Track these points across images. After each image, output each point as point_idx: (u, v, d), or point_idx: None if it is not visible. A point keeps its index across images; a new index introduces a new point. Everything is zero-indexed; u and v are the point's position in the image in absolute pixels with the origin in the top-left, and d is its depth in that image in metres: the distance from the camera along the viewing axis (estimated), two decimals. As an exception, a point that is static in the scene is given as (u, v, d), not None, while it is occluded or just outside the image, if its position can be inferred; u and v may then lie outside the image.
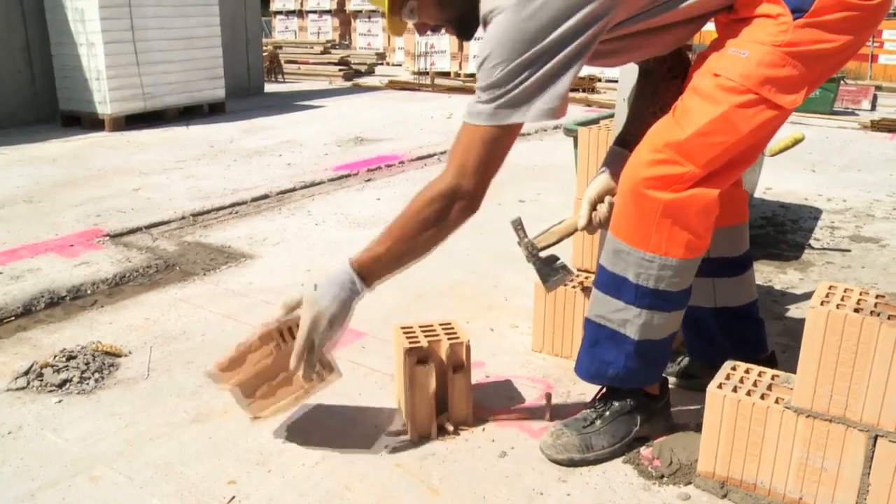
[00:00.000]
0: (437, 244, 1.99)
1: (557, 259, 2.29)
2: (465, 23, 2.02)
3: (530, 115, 1.84)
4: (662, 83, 2.22)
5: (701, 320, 2.37)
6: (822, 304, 1.77)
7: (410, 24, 2.05)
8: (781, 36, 1.83)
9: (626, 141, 2.21)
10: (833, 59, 1.89)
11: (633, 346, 2.03)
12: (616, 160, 2.19)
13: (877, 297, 1.81)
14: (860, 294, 1.82)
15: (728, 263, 2.31)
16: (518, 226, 2.28)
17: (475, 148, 1.88)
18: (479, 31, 2.00)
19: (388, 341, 2.91)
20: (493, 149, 1.89)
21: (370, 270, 1.99)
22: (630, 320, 2.01)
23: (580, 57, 1.83)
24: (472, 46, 12.69)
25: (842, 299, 1.79)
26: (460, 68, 13.86)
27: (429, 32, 2.14)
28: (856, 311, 1.73)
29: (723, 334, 2.37)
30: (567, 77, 1.82)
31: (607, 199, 2.16)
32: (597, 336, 2.08)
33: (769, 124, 1.89)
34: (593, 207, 2.19)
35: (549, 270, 2.28)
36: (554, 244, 2.28)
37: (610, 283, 2.02)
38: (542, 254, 2.28)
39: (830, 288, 1.86)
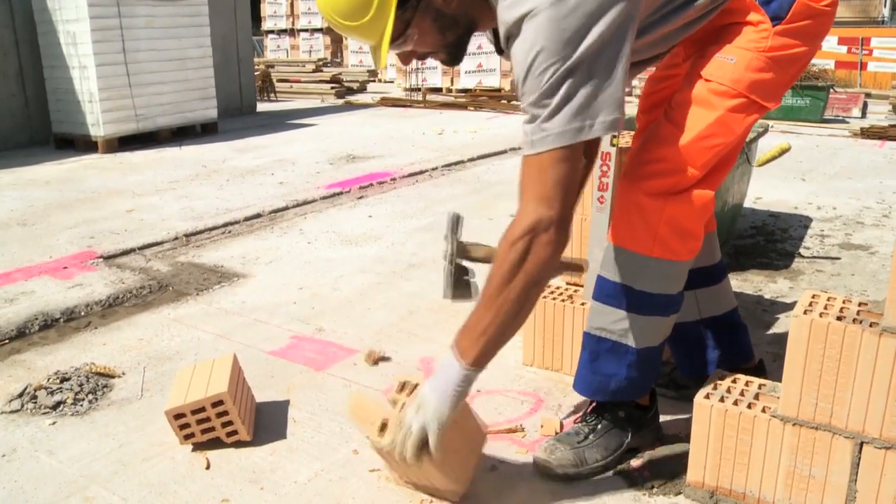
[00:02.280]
0: (536, 291, 1.79)
1: (472, 274, 2.15)
2: (460, 47, 1.94)
3: (599, 128, 1.71)
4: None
5: (688, 335, 2.39)
6: (805, 312, 1.79)
7: (394, 53, 1.93)
8: (764, 42, 1.90)
9: None
10: (800, 63, 1.97)
11: (635, 355, 2.05)
12: None
13: (860, 304, 1.83)
14: (843, 302, 1.84)
15: (707, 273, 2.34)
16: (455, 222, 2.16)
17: (547, 171, 1.72)
18: (467, 53, 1.97)
19: (381, 360, 2.93)
20: (568, 165, 1.73)
21: (479, 357, 1.81)
22: (631, 329, 2.03)
23: (624, 60, 1.72)
24: (463, 65, 12.72)
25: (825, 308, 1.81)
26: (452, 84, 13.93)
27: (414, 61, 2.02)
28: (839, 319, 1.75)
29: (711, 345, 2.39)
30: (621, 83, 1.72)
31: None
32: (597, 350, 2.09)
33: (752, 125, 1.97)
34: None
35: (459, 281, 2.13)
36: (476, 259, 2.16)
37: (611, 293, 2.04)
38: (463, 262, 2.17)
39: (814, 297, 1.88)
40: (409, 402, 1.91)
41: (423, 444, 1.84)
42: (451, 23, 1.85)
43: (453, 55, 1.95)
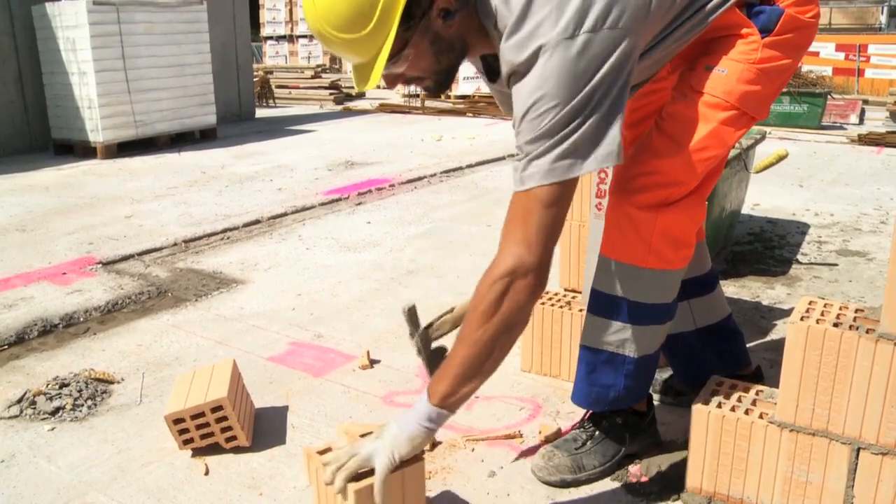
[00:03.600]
0: (509, 336, 1.75)
1: (446, 350, 2.02)
2: (450, 74, 1.86)
3: (591, 162, 1.68)
4: None
5: (685, 345, 2.39)
6: (801, 319, 1.79)
7: (383, 73, 1.77)
8: (754, 54, 1.91)
9: None
10: (786, 74, 1.98)
11: (633, 364, 2.05)
12: None
13: (856, 311, 1.84)
14: (840, 309, 1.85)
15: (700, 282, 2.34)
16: (411, 315, 2.15)
17: (534, 213, 1.69)
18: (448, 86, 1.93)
19: (377, 365, 2.94)
20: (554, 211, 1.70)
21: (447, 396, 1.74)
22: (629, 340, 2.03)
23: (624, 94, 1.72)
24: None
25: (822, 314, 1.82)
26: (450, 90, 13.93)
27: (400, 86, 1.91)
28: (835, 325, 1.75)
29: (708, 352, 2.39)
30: (619, 118, 1.71)
31: None
32: (595, 362, 2.09)
33: (741, 137, 2.00)
34: None
35: (438, 363, 1.96)
36: (447, 333, 2.15)
37: (606, 306, 2.03)
38: (433, 345, 2.17)
39: (810, 303, 1.88)
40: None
41: (358, 477, 1.72)
42: (447, 47, 1.79)
43: (441, 83, 1.87)
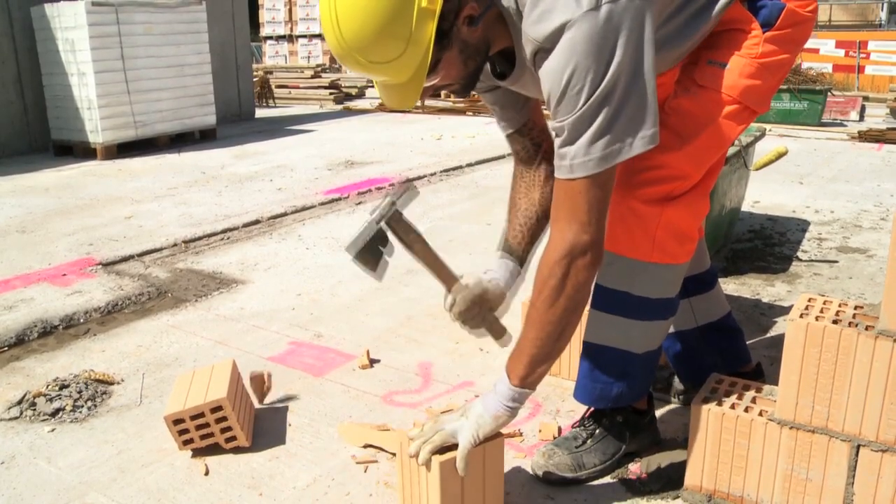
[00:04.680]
0: (577, 313, 1.81)
1: (389, 252, 2.00)
2: (476, 76, 1.85)
3: (638, 144, 1.69)
4: (538, 173, 2.18)
5: (686, 343, 2.39)
6: (801, 316, 1.79)
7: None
8: (756, 48, 1.91)
9: (512, 247, 2.21)
10: (785, 69, 1.98)
11: (637, 360, 2.05)
12: (502, 270, 2.18)
13: (855, 307, 1.84)
14: (839, 306, 1.85)
15: (700, 279, 2.34)
16: (405, 190, 2.04)
17: (583, 194, 1.71)
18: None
19: (377, 364, 2.94)
20: (603, 190, 1.73)
21: (526, 376, 1.83)
22: (632, 335, 2.03)
23: (653, 71, 1.69)
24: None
25: (821, 311, 1.82)
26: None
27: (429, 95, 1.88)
28: (835, 322, 1.75)
29: (708, 350, 2.39)
30: (652, 92, 1.69)
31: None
32: (598, 358, 2.09)
33: (743, 131, 2.00)
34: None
35: (371, 246, 1.98)
36: (402, 239, 2.04)
37: (611, 302, 2.03)
38: (388, 232, 2.01)
39: (810, 300, 1.88)
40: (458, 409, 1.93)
41: (443, 451, 1.82)
42: (474, 52, 1.78)
43: (468, 85, 1.86)
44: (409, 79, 1.69)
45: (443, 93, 12.42)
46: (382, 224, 2.00)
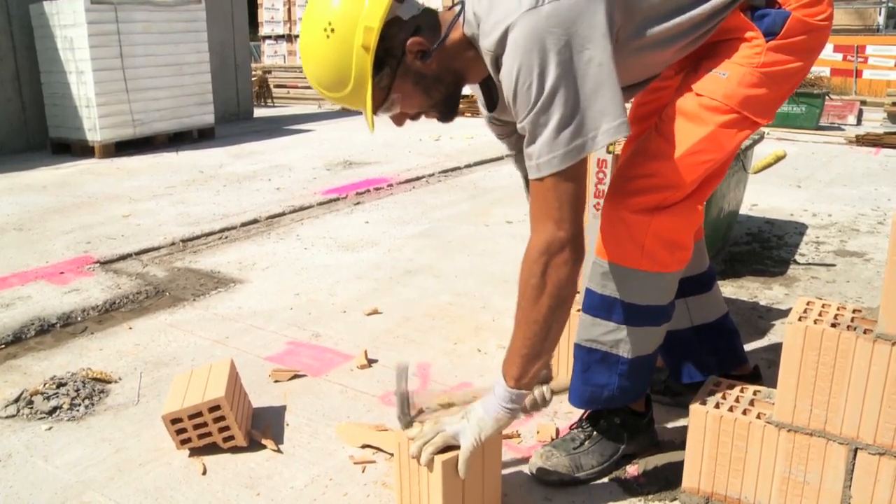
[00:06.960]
0: (562, 309, 1.80)
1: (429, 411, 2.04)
2: (450, 104, 1.91)
3: (602, 137, 1.69)
4: None
5: (681, 343, 2.39)
6: (799, 319, 1.79)
7: (387, 116, 1.92)
8: (757, 58, 1.89)
9: None
10: (795, 78, 1.97)
11: (627, 364, 2.05)
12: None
13: (854, 311, 1.84)
14: (837, 309, 1.85)
15: (697, 281, 2.34)
16: (401, 374, 2.03)
17: (554, 191, 1.72)
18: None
19: (375, 364, 2.94)
20: (575, 184, 1.73)
21: (520, 377, 1.83)
22: (622, 340, 2.02)
23: (609, 58, 1.69)
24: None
25: (819, 314, 1.82)
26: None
27: (408, 121, 1.96)
28: (833, 325, 1.76)
29: (705, 351, 2.39)
30: (615, 88, 1.69)
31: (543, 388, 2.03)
32: (588, 361, 2.08)
33: (744, 140, 1.97)
34: None
35: (410, 422, 2.01)
36: (431, 410, 2.06)
37: (599, 306, 2.03)
38: (414, 410, 2.05)
39: (808, 303, 1.89)
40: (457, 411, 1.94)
41: (444, 451, 1.84)
42: (433, 82, 1.85)
43: (445, 112, 1.93)
44: (364, 108, 1.81)
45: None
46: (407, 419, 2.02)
